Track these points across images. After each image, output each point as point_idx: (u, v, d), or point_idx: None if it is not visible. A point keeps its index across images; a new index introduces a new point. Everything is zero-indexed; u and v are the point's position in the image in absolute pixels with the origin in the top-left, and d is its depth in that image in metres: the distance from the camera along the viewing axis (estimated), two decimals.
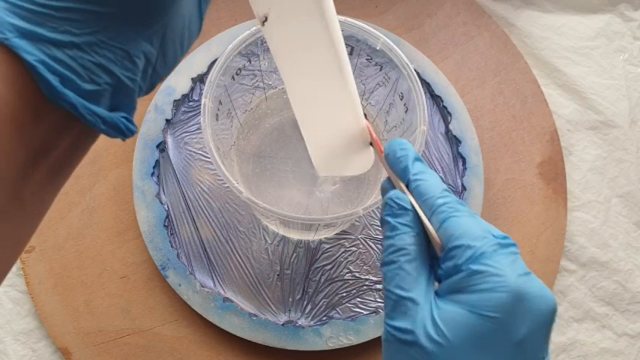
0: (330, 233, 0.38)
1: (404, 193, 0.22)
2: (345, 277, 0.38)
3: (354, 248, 0.38)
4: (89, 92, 0.15)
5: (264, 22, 0.22)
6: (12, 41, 0.14)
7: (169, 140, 0.40)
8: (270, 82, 0.36)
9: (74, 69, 0.15)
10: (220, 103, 0.31)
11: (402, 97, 0.32)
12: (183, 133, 0.40)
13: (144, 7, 0.15)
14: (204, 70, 0.41)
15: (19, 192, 0.16)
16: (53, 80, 0.14)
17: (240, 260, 0.38)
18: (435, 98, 0.42)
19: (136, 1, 0.15)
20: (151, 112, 0.39)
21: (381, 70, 0.32)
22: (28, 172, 0.16)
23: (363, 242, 0.38)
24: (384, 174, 0.36)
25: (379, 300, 0.37)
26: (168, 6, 0.16)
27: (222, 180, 0.39)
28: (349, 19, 0.30)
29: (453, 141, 0.41)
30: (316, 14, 0.21)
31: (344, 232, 0.38)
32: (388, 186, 0.24)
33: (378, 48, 0.31)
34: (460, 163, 0.40)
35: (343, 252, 0.38)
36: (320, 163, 0.28)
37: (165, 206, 0.38)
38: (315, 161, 0.28)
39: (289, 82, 0.25)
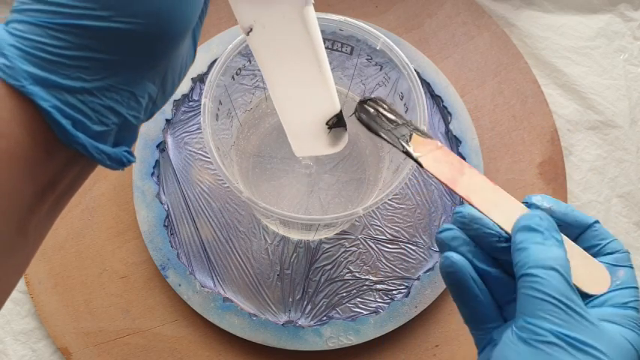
0: (330, 233, 0.38)
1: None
2: (345, 277, 0.38)
3: (354, 248, 0.38)
4: (98, 132, 0.17)
5: (248, 32, 0.23)
6: (27, 88, 0.15)
7: (169, 140, 0.40)
8: None
9: (85, 112, 0.16)
10: (220, 103, 0.31)
11: (402, 97, 0.32)
12: (183, 133, 0.40)
13: (149, 53, 0.16)
14: (204, 70, 0.41)
15: (25, 226, 0.17)
16: (66, 124, 0.16)
17: (240, 260, 0.38)
18: (435, 98, 0.42)
19: (142, 49, 0.16)
20: None
21: (381, 70, 0.32)
22: (35, 206, 0.17)
23: (363, 242, 0.38)
24: (384, 174, 0.36)
25: (379, 300, 0.37)
26: (171, 50, 0.17)
27: (222, 180, 0.39)
28: (349, 19, 0.30)
29: (453, 141, 0.41)
30: (299, 22, 0.22)
31: (344, 232, 0.38)
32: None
33: (378, 48, 0.31)
34: None
35: (343, 252, 0.38)
36: (296, 145, 0.29)
37: (165, 206, 0.38)
38: (292, 143, 0.29)
39: (270, 80, 0.26)
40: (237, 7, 0.22)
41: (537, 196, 0.23)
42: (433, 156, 0.24)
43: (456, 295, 0.24)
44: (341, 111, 0.27)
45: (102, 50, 0.16)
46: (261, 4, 0.22)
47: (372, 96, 0.27)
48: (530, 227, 0.21)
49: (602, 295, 0.22)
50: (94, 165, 0.19)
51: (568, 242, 0.22)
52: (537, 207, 0.23)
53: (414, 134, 0.25)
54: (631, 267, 0.22)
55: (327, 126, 0.27)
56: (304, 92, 0.26)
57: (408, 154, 0.25)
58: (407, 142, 0.25)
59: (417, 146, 0.25)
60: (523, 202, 0.23)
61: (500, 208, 0.23)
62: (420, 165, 0.24)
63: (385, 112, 0.26)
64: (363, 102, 0.27)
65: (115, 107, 0.17)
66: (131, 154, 0.19)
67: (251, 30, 0.23)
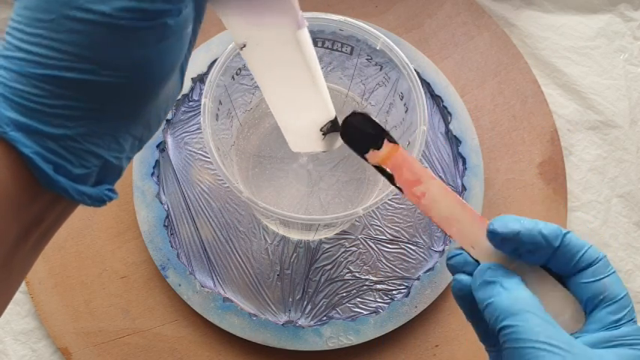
0: (330, 233, 0.38)
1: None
2: (345, 277, 0.38)
3: (354, 248, 0.38)
4: (79, 175, 0.17)
5: (242, 47, 0.23)
6: (9, 134, 0.15)
7: (169, 140, 0.40)
8: None
9: (66, 157, 0.16)
10: (220, 103, 0.31)
11: (402, 97, 0.32)
12: (183, 133, 0.40)
13: (132, 103, 0.17)
14: (204, 70, 0.41)
15: (9, 262, 0.17)
16: (47, 169, 0.16)
17: (240, 260, 0.38)
18: (435, 98, 0.42)
19: (125, 99, 0.17)
20: None
21: (381, 70, 0.32)
22: (20, 244, 0.17)
23: (363, 242, 0.38)
24: None
25: (379, 300, 0.37)
26: (154, 97, 0.18)
27: (222, 180, 0.39)
28: (349, 19, 0.30)
29: (453, 141, 0.41)
30: (293, 43, 0.22)
31: (344, 232, 0.38)
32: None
33: (378, 48, 0.31)
34: (460, 163, 0.40)
35: (343, 252, 0.38)
36: (292, 142, 0.29)
37: (165, 206, 0.38)
38: (288, 139, 0.29)
39: (265, 89, 0.26)
40: (230, 25, 0.22)
41: (498, 221, 0.22)
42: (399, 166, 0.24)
43: (468, 317, 0.24)
44: (336, 117, 0.27)
45: (84, 100, 0.16)
46: (254, 25, 0.22)
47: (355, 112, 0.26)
48: (487, 281, 0.22)
49: (591, 314, 0.21)
50: (76, 204, 0.19)
51: (539, 275, 0.22)
52: (498, 234, 0.22)
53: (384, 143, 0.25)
54: (613, 272, 0.22)
55: (321, 132, 0.27)
56: (298, 101, 0.26)
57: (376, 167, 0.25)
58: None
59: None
60: (488, 231, 0.22)
61: (460, 227, 0.23)
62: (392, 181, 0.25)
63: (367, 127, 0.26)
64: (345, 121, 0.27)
65: (96, 151, 0.17)
66: (113, 191, 0.19)
67: (244, 46, 0.23)
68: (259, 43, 0.23)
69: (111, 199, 0.19)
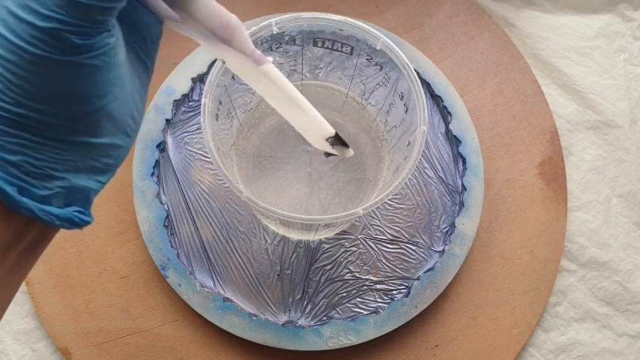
0: (330, 233, 0.38)
1: None
2: (345, 277, 0.38)
3: (354, 248, 0.38)
4: (44, 197, 0.18)
5: (223, 62, 0.24)
6: None
7: (169, 140, 0.40)
8: None
9: (28, 181, 0.17)
10: (220, 103, 0.31)
11: (402, 97, 0.32)
12: (183, 133, 0.40)
13: (71, 132, 0.17)
14: (204, 70, 0.41)
15: None
16: (11, 191, 0.17)
17: (240, 260, 0.38)
18: (435, 98, 0.42)
19: (63, 129, 0.17)
20: (151, 112, 0.39)
21: (381, 70, 0.32)
22: None
23: (363, 242, 0.38)
24: (384, 174, 0.36)
25: (379, 300, 0.37)
26: (108, 110, 0.18)
27: (222, 180, 0.39)
28: (349, 19, 0.30)
29: (453, 141, 0.41)
30: (260, 74, 0.23)
31: (344, 232, 0.38)
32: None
33: (378, 48, 0.31)
34: (460, 163, 0.40)
35: (343, 252, 0.38)
36: (310, 140, 0.29)
37: (165, 206, 0.38)
38: (307, 138, 0.29)
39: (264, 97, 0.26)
40: (204, 48, 0.23)
41: None
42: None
43: None
44: (336, 133, 0.27)
45: (26, 133, 0.17)
46: (218, 54, 0.22)
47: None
48: None
49: None
50: (53, 229, 0.20)
51: None
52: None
53: None
54: None
55: (327, 142, 0.27)
56: (293, 119, 0.27)
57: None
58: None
59: None
60: None
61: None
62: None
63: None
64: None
65: (57, 175, 0.18)
66: (85, 213, 0.19)
67: (224, 62, 0.24)
68: (232, 67, 0.23)
69: (83, 221, 0.19)
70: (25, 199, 0.17)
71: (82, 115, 0.17)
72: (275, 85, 0.24)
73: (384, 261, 0.38)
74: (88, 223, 0.19)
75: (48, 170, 0.18)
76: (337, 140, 0.28)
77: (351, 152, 0.29)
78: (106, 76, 0.17)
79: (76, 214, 0.19)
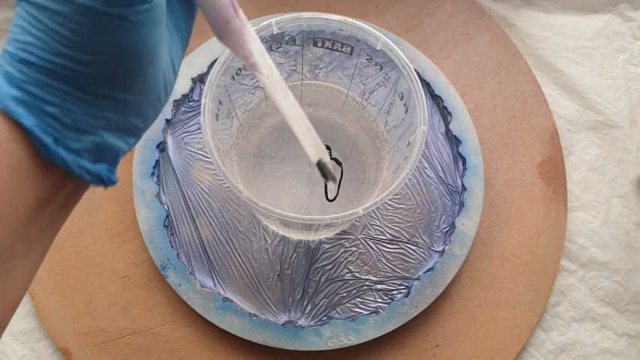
0: (330, 233, 0.38)
1: None
2: (345, 277, 0.38)
3: (354, 248, 0.38)
4: (77, 150, 0.18)
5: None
6: (11, 109, 0.17)
7: (169, 140, 0.40)
8: None
9: (64, 132, 0.18)
10: (220, 103, 0.31)
11: (402, 97, 0.32)
12: (183, 133, 0.40)
13: (113, 86, 0.18)
14: (204, 70, 0.41)
15: (26, 235, 0.19)
16: (47, 141, 0.17)
17: (240, 260, 0.38)
18: (435, 98, 0.42)
19: (106, 82, 0.18)
20: None
21: (381, 70, 0.32)
22: (35, 219, 0.19)
23: (363, 242, 0.38)
24: (384, 174, 0.36)
25: (379, 300, 0.37)
26: (136, 82, 0.19)
27: (222, 180, 0.39)
28: (349, 19, 0.30)
29: (453, 141, 0.41)
30: (263, 79, 0.24)
31: (344, 232, 0.38)
32: None
33: (378, 48, 0.31)
34: (460, 163, 0.40)
35: (343, 252, 0.38)
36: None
37: (165, 206, 0.38)
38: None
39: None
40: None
41: None
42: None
43: None
44: (319, 162, 0.26)
45: (68, 84, 0.17)
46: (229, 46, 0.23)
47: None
48: None
49: None
50: (83, 186, 0.20)
51: None
52: None
53: None
54: None
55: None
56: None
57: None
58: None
59: None
60: None
61: None
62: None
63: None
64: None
65: (91, 130, 0.18)
66: (112, 172, 0.20)
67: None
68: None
69: (110, 180, 0.20)
70: (60, 150, 0.18)
71: (120, 70, 0.18)
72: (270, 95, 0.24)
73: (384, 261, 0.38)
74: (113, 182, 0.20)
75: (82, 124, 0.18)
76: (320, 169, 0.26)
77: (332, 185, 0.28)
78: (149, 34, 0.18)
79: (106, 172, 0.20)
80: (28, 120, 0.17)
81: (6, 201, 0.17)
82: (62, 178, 0.19)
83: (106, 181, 0.20)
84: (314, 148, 0.26)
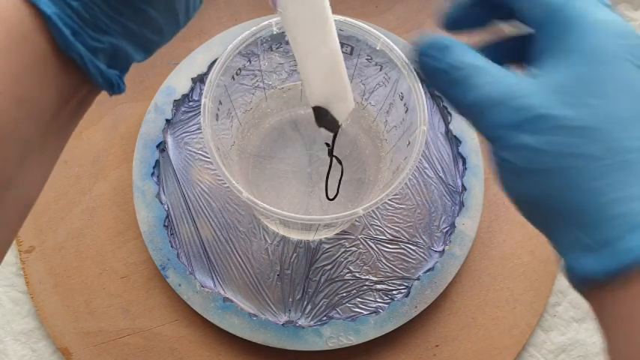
0: (330, 233, 0.38)
1: None
2: (345, 277, 0.38)
3: (354, 248, 0.38)
4: (93, 48, 0.18)
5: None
6: None
7: (169, 140, 0.40)
8: (270, 82, 0.36)
9: (83, 28, 0.18)
10: (220, 103, 0.31)
11: (402, 97, 0.32)
12: (183, 133, 0.40)
13: None
14: (204, 70, 0.41)
15: (48, 131, 0.19)
16: (66, 32, 0.17)
17: (240, 260, 0.38)
18: (435, 98, 0.42)
19: None
20: (151, 112, 0.39)
21: (381, 70, 0.32)
22: (56, 114, 0.19)
23: (363, 242, 0.38)
24: (384, 174, 0.36)
25: (379, 300, 0.37)
26: None
27: (222, 180, 0.39)
28: (349, 19, 0.30)
29: (453, 141, 0.41)
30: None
31: (344, 232, 0.38)
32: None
33: (378, 48, 0.31)
34: (460, 163, 0.40)
35: (343, 252, 0.38)
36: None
37: (165, 206, 0.38)
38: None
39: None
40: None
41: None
42: None
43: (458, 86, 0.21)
44: (316, 107, 0.26)
45: None
46: None
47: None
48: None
49: None
50: (94, 92, 0.21)
51: None
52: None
53: None
54: None
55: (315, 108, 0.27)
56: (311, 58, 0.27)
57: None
58: None
59: None
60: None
61: None
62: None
63: None
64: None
65: (108, 30, 0.19)
66: (122, 80, 0.20)
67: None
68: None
69: (119, 86, 0.20)
70: (77, 44, 0.18)
71: None
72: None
73: (384, 261, 0.38)
74: (121, 90, 0.20)
75: (102, 24, 0.18)
76: (316, 114, 0.26)
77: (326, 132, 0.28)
78: None
79: (117, 77, 0.20)
80: (48, 7, 0.17)
81: (33, 91, 0.18)
82: (80, 80, 0.19)
83: (115, 87, 0.20)
84: (320, 88, 0.25)
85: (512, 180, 0.20)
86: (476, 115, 0.20)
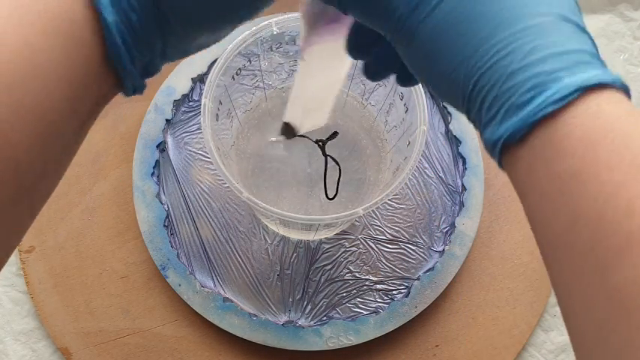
0: (330, 233, 0.38)
1: None
2: (345, 277, 0.38)
3: (354, 248, 0.38)
4: (135, 58, 0.19)
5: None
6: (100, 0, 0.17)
7: (169, 140, 0.40)
8: (270, 82, 0.36)
9: (133, 39, 0.18)
10: (220, 103, 0.31)
11: (402, 97, 0.32)
12: (183, 133, 0.40)
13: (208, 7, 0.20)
14: (204, 70, 0.41)
15: (83, 128, 0.20)
16: (119, 42, 0.18)
17: (240, 260, 0.38)
18: (435, 98, 0.42)
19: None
20: (151, 112, 0.39)
21: None
22: (92, 112, 0.20)
23: (363, 242, 0.38)
24: (384, 174, 0.36)
25: (379, 300, 0.37)
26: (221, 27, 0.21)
27: (222, 180, 0.39)
28: None
29: (453, 141, 0.41)
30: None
31: (344, 232, 0.38)
32: None
33: None
34: (460, 163, 0.40)
35: (343, 252, 0.38)
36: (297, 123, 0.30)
37: (165, 206, 0.38)
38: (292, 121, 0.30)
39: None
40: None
41: None
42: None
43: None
44: (285, 123, 0.29)
45: (161, 4, 0.18)
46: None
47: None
48: None
49: None
50: (112, 94, 0.21)
51: None
52: None
53: None
54: None
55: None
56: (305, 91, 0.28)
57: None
58: None
59: None
60: None
61: None
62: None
63: None
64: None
65: (153, 45, 0.19)
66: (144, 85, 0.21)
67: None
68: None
69: (141, 92, 0.21)
70: (126, 55, 0.18)
71: (204, 15, 0.20)
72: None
73: (384, 261, 0.38)
74: (140, 92, 0.21)
75: (151, 41, 0.19)
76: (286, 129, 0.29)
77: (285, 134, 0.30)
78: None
79: (144, 86, 0.21)
80: (110, 16, 0.18)
81: (79, 90, 0.18)
82: (113, 84, 0.19)
83: (138, 92, 0.21)
84: (300, 118, 0.27)
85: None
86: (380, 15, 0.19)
